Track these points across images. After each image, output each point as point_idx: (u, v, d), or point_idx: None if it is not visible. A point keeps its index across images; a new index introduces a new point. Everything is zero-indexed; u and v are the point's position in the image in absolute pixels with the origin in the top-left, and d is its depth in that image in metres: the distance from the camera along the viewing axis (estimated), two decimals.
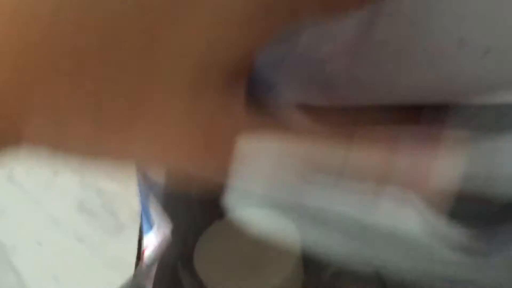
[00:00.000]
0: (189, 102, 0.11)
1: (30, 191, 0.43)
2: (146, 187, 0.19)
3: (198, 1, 0.10)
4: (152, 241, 0.20)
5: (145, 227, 0.22)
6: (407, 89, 0.21)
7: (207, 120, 0.11)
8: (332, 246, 0.16)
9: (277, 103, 0.14)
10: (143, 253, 0.23)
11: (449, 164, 0.13)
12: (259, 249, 0.23)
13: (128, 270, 0.16)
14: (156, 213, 0.17)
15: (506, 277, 0.16)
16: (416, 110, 0.27)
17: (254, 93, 0.13)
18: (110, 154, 0.11)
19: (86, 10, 0.09)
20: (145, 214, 0.20)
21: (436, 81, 0.20)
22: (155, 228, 0.18)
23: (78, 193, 0.42)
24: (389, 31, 0.18)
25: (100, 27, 0.10)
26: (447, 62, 0.18)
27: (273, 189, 0.14)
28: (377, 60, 0.20)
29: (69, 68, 0.10)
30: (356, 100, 0.21)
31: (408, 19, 0.18)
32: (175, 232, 0.22)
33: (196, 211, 0.26)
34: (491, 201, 0.12)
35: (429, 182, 0.14)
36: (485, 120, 0.18)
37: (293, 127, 0.13)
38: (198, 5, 0.10)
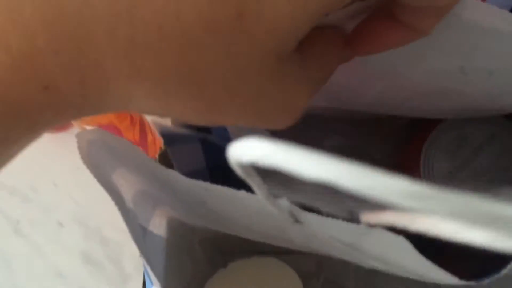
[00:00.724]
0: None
1: (35, 243, 0.43)
2: (145, 244, 0.19)
3: None
4: None
5: (147, 281, 0.21)
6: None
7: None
8: None
9: None
10: None
11: None
12: None
13: None
14: (151, 273, 0.17)
15: None
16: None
17: None
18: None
19: None
20: (146, 270, 0.19)
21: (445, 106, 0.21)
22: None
23: (82, 244, 0.42)
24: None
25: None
26: (453, 84, 0.19)
27: None
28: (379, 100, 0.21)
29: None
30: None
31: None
32: (178, 281, 0.22)
33: (200, 259, 0.26)
34: None
35: None
36: None
37: None
38: None
